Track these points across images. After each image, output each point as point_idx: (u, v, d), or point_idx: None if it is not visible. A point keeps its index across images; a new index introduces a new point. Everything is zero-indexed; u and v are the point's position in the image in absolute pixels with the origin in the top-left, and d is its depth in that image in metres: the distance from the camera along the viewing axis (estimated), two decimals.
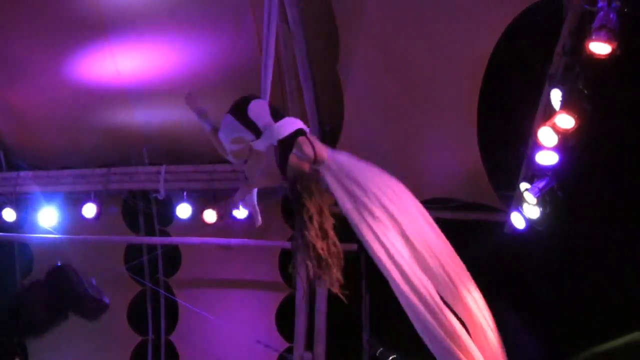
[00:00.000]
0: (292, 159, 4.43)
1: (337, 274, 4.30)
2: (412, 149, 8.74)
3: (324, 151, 4.50)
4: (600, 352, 8.19)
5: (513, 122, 7.80)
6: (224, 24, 8.62)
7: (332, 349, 9.45)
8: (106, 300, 6.95)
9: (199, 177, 9.83)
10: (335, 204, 4.43)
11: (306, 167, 4.42)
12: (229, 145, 4.82)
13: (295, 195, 4.34)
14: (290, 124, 4.58)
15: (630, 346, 7.85)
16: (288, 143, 4.48)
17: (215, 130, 4.91)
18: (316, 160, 4.44)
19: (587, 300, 8.43)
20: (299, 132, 4.53)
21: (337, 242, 4.33)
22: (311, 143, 4.46)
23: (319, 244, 4.22)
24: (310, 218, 4.23)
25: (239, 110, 4.70)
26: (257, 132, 4.58)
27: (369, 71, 8.24)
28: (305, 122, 8.68)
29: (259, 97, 4.91)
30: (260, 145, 4.58)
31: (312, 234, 4.22)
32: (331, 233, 4.29)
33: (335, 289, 4.33)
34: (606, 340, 8.11)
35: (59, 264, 7.15)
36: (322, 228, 4.25)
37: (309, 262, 4.24)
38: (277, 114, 4.67)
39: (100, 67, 9.07)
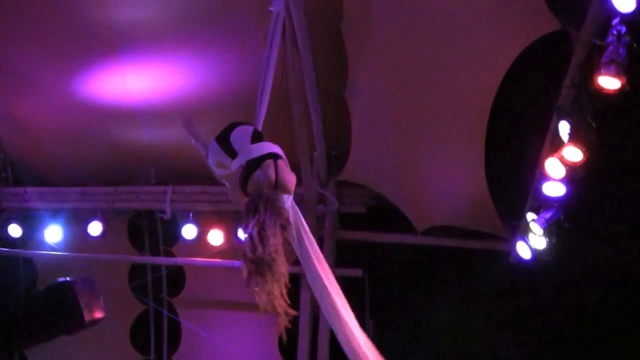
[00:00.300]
0: (255, 179, 4.48)
1: (277, 285, 4.30)
2: (419, 176, 8.73)
3: (290, 179, 4.59)
4: None
5: (520, 152, 7.78)
6: (232, 44, 8.64)
7: None
8: (100, 316, 6.78)
9: (206, 198, 9.84)
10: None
11: (265, 189, 4.44)
12: (215, 169, 4.90)
13: (242, 214, 4.37)
14: (265, 147, 4.70)
15: None
16: (255, 163, 4.55)
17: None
18: (277, 185, 4.49)
19: (594, 331, 8.39)
20: (271, 156, 4.61)
21: (282, 252, 4.34)
22: (276, 168, 4.52)
23: (257, 250, 4.22)
24: (250, 235, 4.26)
25: (223, 136, 4.85)
26: (234, 156, 4.63)
27: (377, 97, 8.25)
28: (312, 146, 8.82)
29: (248, 123, 4.96)
30: (234, 166, 4.63)
31: (248, 245, 4.25)
32: (272, 241, 4.27)
33: (278, 303, 4.31)
34: None
35: (63, 280, 6.95)
36: (261, 238, 4.24)
37: (246, 271, 4.25)
38: (258, 139, 4.75)
39: (110, 85, 9.09)
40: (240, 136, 4.78)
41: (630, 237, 7.71)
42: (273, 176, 4.49)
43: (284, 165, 4.63)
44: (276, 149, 4.73)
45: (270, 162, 4.56)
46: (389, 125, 8.40)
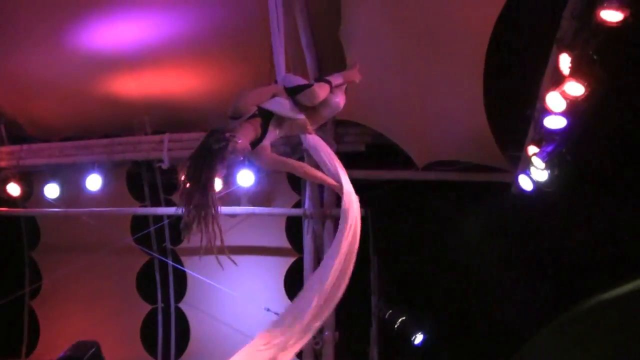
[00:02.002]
0: None
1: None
2: (417, 112, 8.64)
3: (236, 100, 5.06)
4: (606, 299, 8.22)
5: (519, 85, 7.69)
6: None
7: (341, 313, 9.44)
8: None
9: None
10: None
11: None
12: None
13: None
14: None
15: (635, 292, 7.89)
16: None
17: None
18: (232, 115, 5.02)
19: (596, 261, 8.44)
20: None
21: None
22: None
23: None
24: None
25: None
26: None
27: (372, 35, 8.09)
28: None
29: None
30: None
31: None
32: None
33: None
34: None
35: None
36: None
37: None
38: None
39: (100, 36, 8.91)
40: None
41: (631, 168, 7.68)
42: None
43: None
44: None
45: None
46: (386, 63, 8.25)
